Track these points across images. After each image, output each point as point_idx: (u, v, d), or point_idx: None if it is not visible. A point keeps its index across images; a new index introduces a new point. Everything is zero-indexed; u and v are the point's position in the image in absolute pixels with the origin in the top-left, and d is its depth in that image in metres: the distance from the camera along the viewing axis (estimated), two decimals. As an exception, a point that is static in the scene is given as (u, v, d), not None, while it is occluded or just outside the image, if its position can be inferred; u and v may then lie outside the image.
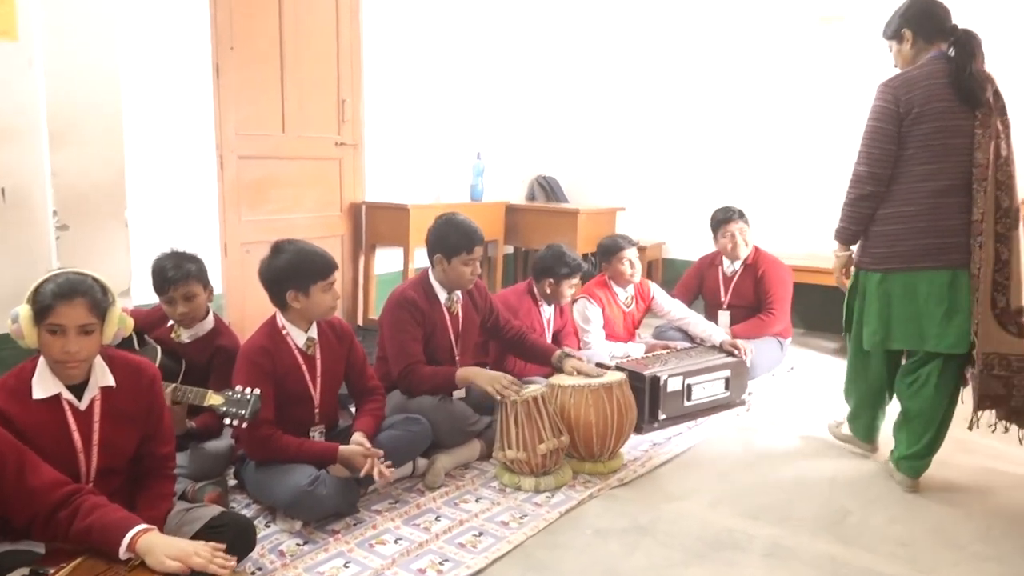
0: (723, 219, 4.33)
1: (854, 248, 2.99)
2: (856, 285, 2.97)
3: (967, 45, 2.70)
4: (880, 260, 2.83)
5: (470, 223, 3.13)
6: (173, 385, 2.44)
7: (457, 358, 3.19)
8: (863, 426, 3.20)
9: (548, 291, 3.62)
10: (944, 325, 2.72)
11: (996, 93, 2.70)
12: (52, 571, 1.63)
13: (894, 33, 2.88)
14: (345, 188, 4.90)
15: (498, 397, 2.82)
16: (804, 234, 5.41)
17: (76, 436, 1.96)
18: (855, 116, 5.06)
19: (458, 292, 3.17)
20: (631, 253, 4.04)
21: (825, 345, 5.07)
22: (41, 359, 1.95)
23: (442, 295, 3.13)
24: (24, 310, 1.89)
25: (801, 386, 4.21)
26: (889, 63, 2.99)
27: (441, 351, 3.12)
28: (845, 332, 3.09)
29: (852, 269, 3.00)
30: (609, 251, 4.06)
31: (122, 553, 1.66)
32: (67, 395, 1.96)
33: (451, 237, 3.06)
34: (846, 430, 3.30)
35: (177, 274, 2.81)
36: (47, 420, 1.93)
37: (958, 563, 2.39)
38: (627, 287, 4.15)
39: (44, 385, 1.94)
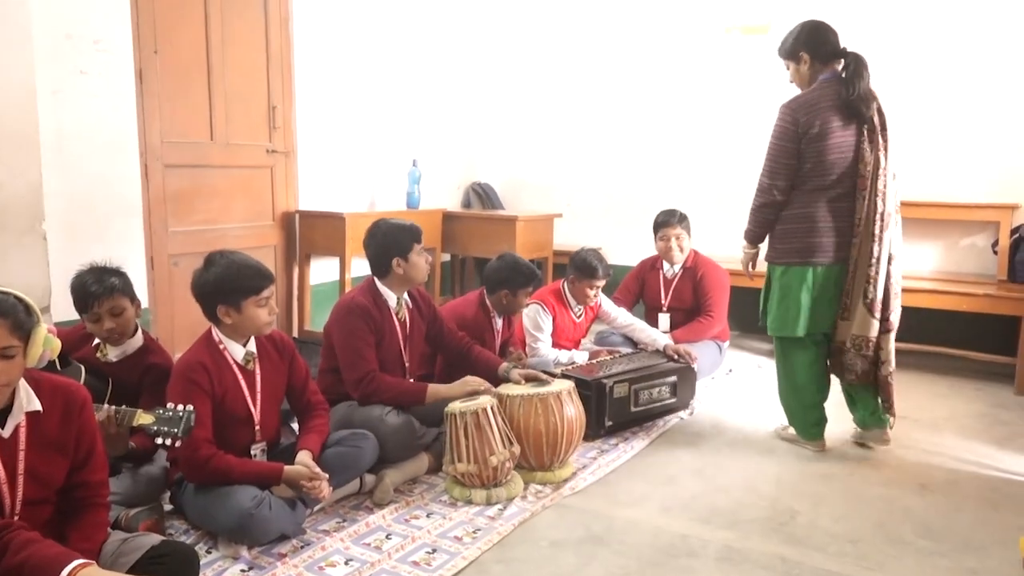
0: (663, 222, 4.38)
1: (762, 246, 3.43)
2: (766, 279, 3.36)
3: (856, 67, 3.07)
4: (781, 255, 3.24)
5: (406, 221, 3.14)
6: (112, 407, 2.30)
7: (407, 365, 3.12)
8: (808, 423, 3.33)
9: (504, 302, 3.57)
10: (831, 309, 3.21)
11: (879, 110, 3.09)
12: (-23, 616, 1.50)
13: (790, 54, 3.21)
14: (277, 197, 4.75)
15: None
16: (740, 238, 5.52)
17: (-1, 467, 1.82)
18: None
19: (406, 297, 3.11)
20: (601, 283, 4.02)
21: (760, 347, 5.18)
22: (-42, 384, 1.80)
23: (392, 300, 3.06)
24: (-63, 331, 1.74)
25: (741, 388, 4.29)
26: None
27: (391, 359, 3.05)
28: (761, 324, 3.42)
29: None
30: (584, 272, 3.96)
31: (57, 592, 1.54)
32: (-12, 422, 1.81)
33: (399, 236, 3.04)
34: (791, 432, 3.41)
35: (100, 288, 2.66)
36: (-35, 451, 1.78)
37: (903, 558, 2.45)
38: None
39: (-38, 412, 1.79)
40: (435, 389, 2.95)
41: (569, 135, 6.21)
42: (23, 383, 1.87)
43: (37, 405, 1.89)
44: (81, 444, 1.96)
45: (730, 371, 4.57)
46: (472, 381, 2.97)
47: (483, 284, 3.67)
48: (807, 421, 3.32)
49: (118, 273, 2.75)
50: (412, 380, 3.12)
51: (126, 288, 2.75)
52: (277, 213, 4.76)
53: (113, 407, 2.31)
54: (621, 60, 5.91)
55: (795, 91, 3.22)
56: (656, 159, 5.85)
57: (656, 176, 5.84)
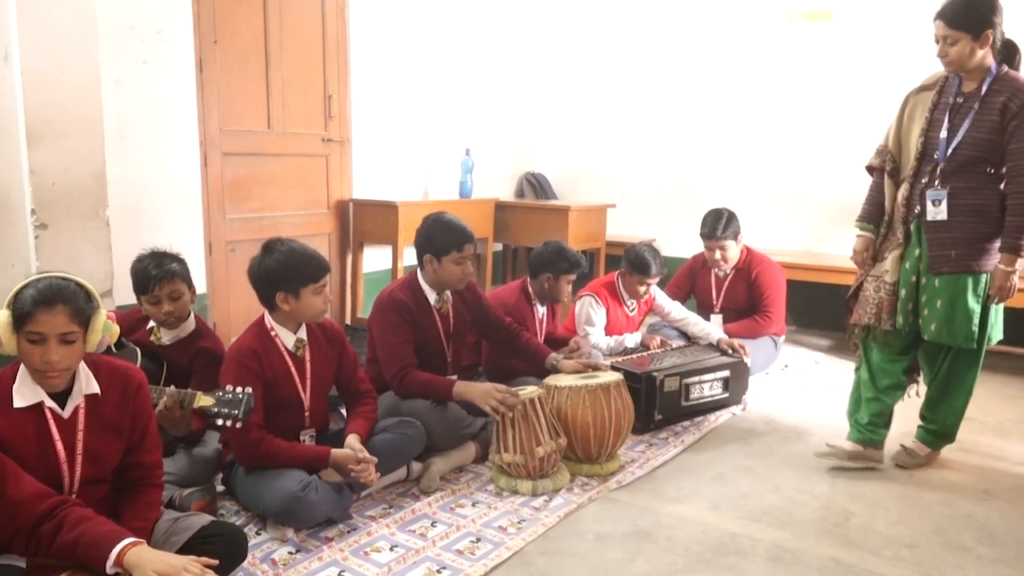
0: (707, 235, 4.22)
1: None
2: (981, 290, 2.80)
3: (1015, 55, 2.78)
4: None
5: (459, 221, 3.05)
6: (176, 390, 2.36)
7: (448, 359, 3.12)
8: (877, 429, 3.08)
9: (546, 287, 3.55)
10: None
11: None
12: (34, 588, 1.55)
13: (975, 28, 2.63)
14: (332, 185, 4.81)
15: (495, 416, 2.76)
16: (798, 230, 5.40)
17: (59, 446, 1.88)
18: (846, 113, 5.11)
19: (447, 292, 3.10)
20: (653, 281, 3.96)
21: (818, 343, 5.05)
22: (22, 366, 1.87)
23: (431, 296, 3.05)
24: (3, 316, 1.80)
25: (797, 384, 4.18)
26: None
27: (431, 353, 3.05)
28: (973, 342, 2.83)
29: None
30: (637, 267, 3.91)
31: (109, 568, 1.58)
32: (50, 403, 1.87)
33: (441, 236, 2.98)
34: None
35: (161, 273, 2.73)
36: (29, 429, 1.84)
37: (964, 566, 2.36)
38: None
39: (25, 393, 1.85)
40: (462, 387, 2.88)
41: (625, 125, 6.13)
42: (83, 366, 1.93)
43: (96, 388, 1.94)
44: (136, 425, 2.01)
45: (786, 367, 4.46)
46: (500, 389, 2.78)
47: (528, 269, 3.65)
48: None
49: (177, 259, 2.82)
50: (454, 372, 3.12)
51: (184, 273, 2.81)
52: (332, 201, 4.81)
53: (177, 390, 2.36)
54: (679, 49, 5.80)
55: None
56: (713, 150, 5.73)
57: (712, 167, 5.73)
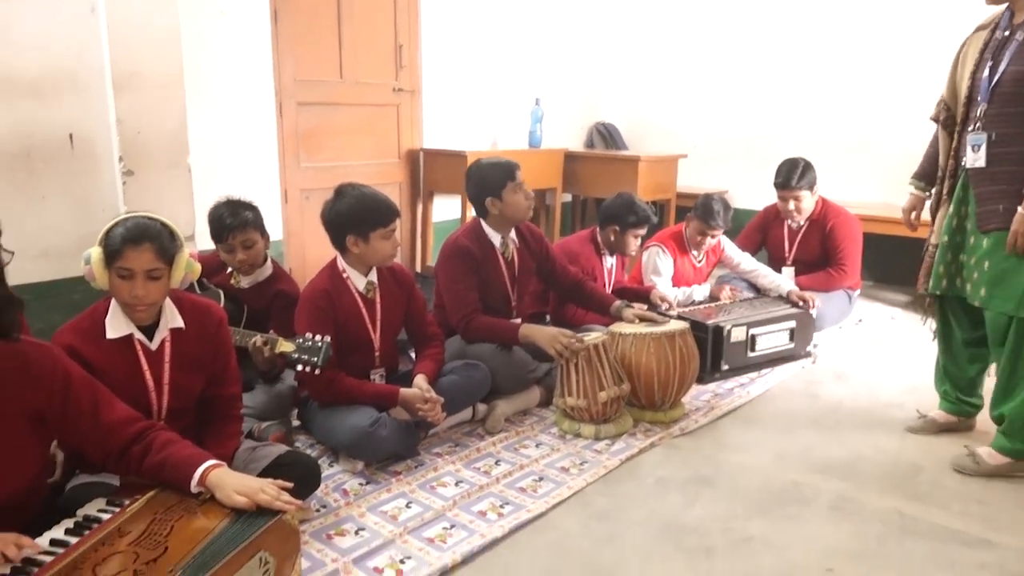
0: (781, 184, 4.10)
1: None
2: None
3: None
4: None
5: (500, 159, 3.10)
6: (261, 335, 2.48)
7: (513, 304, 3.17)
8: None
9: (612, 239, 3.54)
10: None
11: None
12: (127, 502, 1.67)
13: None
14: (403, 135, 4.86)
15: (559, 360, 2.79)
16: (876, 181, 5.20)
17: (148, 376, 2.00)
18: (927, 59, 4.85)
19: (513, 236, 3.13)
20: (716, 232, 3.90)
21: (895, 299, 4.90)
22: (113, 300, 1.99)
23: (496, 240, 3.09)
24: (96, 252, 1.92)
25: (870, 339, 4.08)
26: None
27: (497, 298, 3.10)
28: None
29: None
30: (702, 215, 3.86)
31: (193, 487, 1.69)
32: (139, 336, 1.99)
33: (492, 174, 3.01)
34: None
35: (235, 221, 2.82)
36: (120, 360, 1.97)
37: (1037, 523, 2.30)
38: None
39: (117, 326, 1.97)
40: (527, 330, 2.92)
41: (697, 74, 5.97)
42: (168, 302, 2.04)
43: (180, 322, 2.05)
44: (217, 359, 2.13)
45: (859, 321, 4.36)
46: (566, 334, 2.81)
47: (598, 219, 3.64)
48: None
49: (251, 207, 2.91)
50: (520, 318, 3.16)
51: (257, 222, 2.90)
52: (402, 151, 4.87)
53: (262, 335, 2.48)
54: (756, -8, 5.60)
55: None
56: (788, 99, 5.54)
57: (787, 117, 5.55)
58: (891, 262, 5.15)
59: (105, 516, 1.64)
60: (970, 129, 2.55)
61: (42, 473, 1.76)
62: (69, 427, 1.71)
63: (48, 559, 1.48)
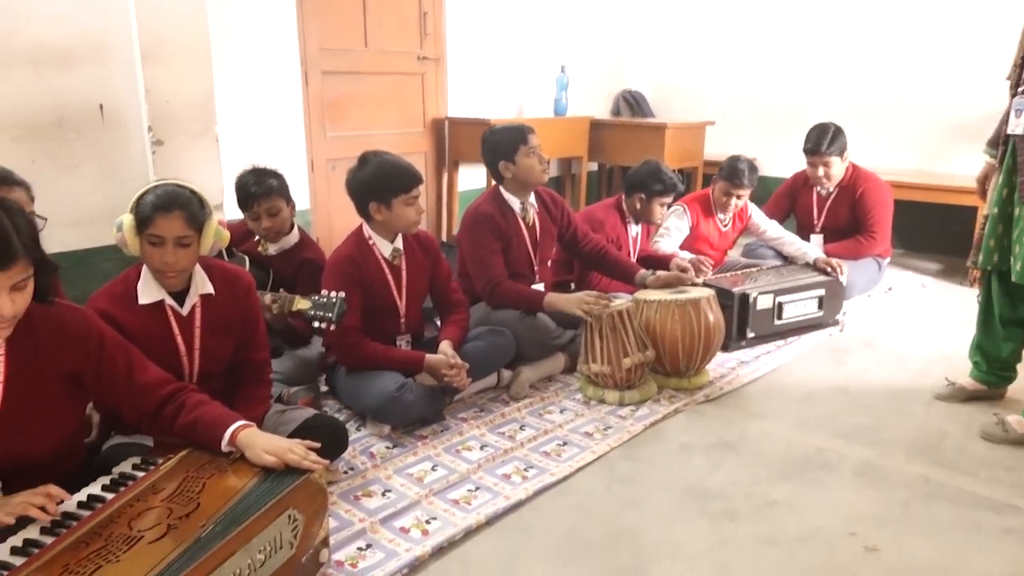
0: (811, 150, 4.04)
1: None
2: None
3: None
4: None
5: (513, 123, 3.13)
6: (271, 293, 2.50)
7: (536, 268, 3.17)
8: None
9: (638, 207, 3.52)
10: None
11: None
12: (161, 461, 1.72)
13: None
14: (428, 103, 4.85)
15: (587, 318, 2.80)
16: (909, 147, 5.11)
17: (179, 341, 2.05)
18: (963, 18, 4.73)
19: (533, 201, 3.13)
20: (746, 193, 3.86)
21: (926, 267, 4.83)
22: (145, 267, 2.03)
23: (516, 205, 3.09)
24: (127, 219, 1.95)
25: (899, 308, 4.04)
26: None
27: (520, 263, 3.11)
28: None
29: None
30: (727, 173, 3.82)
31: (223, 447, 1.73)
32: (170, 301, 2.03)
33: (504, 138, 3.03)
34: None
35: (259, 189, 2.85)
36: (152, 325, 2.01)
37: (1065, 490, 2.28)
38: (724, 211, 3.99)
39: (148, 291, 2.02)
40: (553, 298, 2.94)
41: (724, 38, 5.87)
42: (198, 268, 2.08)
43: (210, 288, 2.09)
44: (246, 324, 2.17)
45: (889, 289, 4.30)
46: (592, 295, 2.86)
47: (623, 187, 3.62)
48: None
49: (275, 175, 2.94)
50: (542, 283, 3.17)
51: (282, 190, 2.93)
52: (427, 120, 4.87)
53: (271, 293, 2.51)
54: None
55: None
56: (818, 62, 5.43)
57: (817, 81, 5.44)
58: (923, 230, 5.08)
59: (140, 474, 1.69)
60: (1020, 91, 2.46)
61: (78, 432, 1.82)
62: (104, 388, 1.75)
63: (86, 513, 1.54)
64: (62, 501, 1.54)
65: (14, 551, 1.42)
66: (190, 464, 1.72)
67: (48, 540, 1.45)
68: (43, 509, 1.50)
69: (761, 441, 2.57)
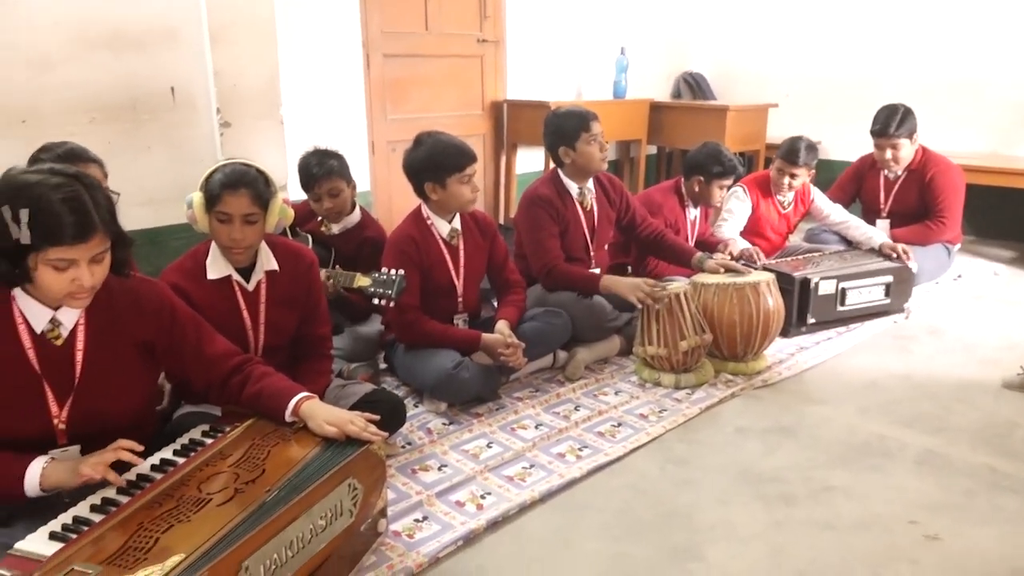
0: (878, 132, 3.92)
1: None
2: None
3: None
4: None
5: (577, 108, 3.10)
6: (329, 270, 2.56)
7: (592, 253, 3.17)
8: None
9: (696, 189, 3.48)
10: None
11: None
12: (228, 429, 1.79)
13: None
14: (487, 86, 4.87)
15: (639, 305, 2.80)
16: (982, 129, 4.92)
17: (245, 315, 2.13)
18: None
19: (590, 185, 3.12)
20: (802, 173, 3.77)
21: (999, 254, 4.66)
22: (213, 243, 2.10)
23: (574, 189, 3.09)
24: (197, 197, 2.03)
25: (969, 296, 3.91)
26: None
27: (576, 247, 3.11)
28: None
29: None
30: (784, 151, 3.75)
31: (287, 416, 1.80)
32: (237, 277, 2.11)
33: (566, 123, 3.02)
34: None
35: (321, 170, 2.91)
36: (219, 299, 2.09)
37: None
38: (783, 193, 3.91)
39: (216, 267, 2.10)
40: (609, 280, 2.93)
41: (789, 18, 5.73)
42: (263, 245, 2.15)
43: (274, 264, 2.16)
44: (309, 300, 2.24)
45: (959, 276, 4.17)
46: (648, 282, 2.84)
47: (682, 169, 3.58)
48: None
49: (336, 156, 2.99)
50: (599, 267, 3.17)
51: (343, 171, 2.98)
52: (486, 102, 4.89)
53: (326, 270, 2.57)
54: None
55: None
56: (886, 41, 5.26)
57: (885, 61, 5.27)
58: (996, 216, 4.90)
59: (208, 440, 1.77)
60: None
61: (152, 399, 1.90)
62: (175, 358, 1.83)
63: (158, 476, 1.61)
64: (135, 453, 1.61)
65: (93, 508, 1.50)
66: (256, 432, 1.79)
67: (124, 499, 1.53)
68: (116, 465, 1.57)
69: (819, 427, 2.54)
